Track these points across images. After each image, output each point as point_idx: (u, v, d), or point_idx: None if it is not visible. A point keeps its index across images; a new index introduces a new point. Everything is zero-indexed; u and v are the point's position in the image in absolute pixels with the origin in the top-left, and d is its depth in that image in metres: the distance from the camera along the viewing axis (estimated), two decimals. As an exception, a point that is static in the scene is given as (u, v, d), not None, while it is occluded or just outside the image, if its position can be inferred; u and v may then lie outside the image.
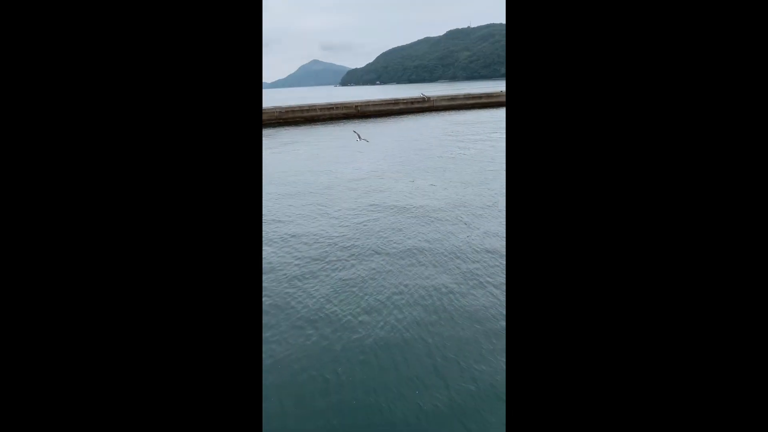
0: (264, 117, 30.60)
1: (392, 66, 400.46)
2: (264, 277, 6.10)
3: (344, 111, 33.30)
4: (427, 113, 34.20)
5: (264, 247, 7.25)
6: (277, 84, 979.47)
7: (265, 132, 26.01)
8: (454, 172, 12.97)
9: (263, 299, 5.50)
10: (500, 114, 30.64)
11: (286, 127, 28.42)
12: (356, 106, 33.70)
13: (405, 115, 33.18)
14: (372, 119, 31.43)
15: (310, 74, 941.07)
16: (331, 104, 33.40)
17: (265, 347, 4.29)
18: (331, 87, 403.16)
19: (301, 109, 32.20)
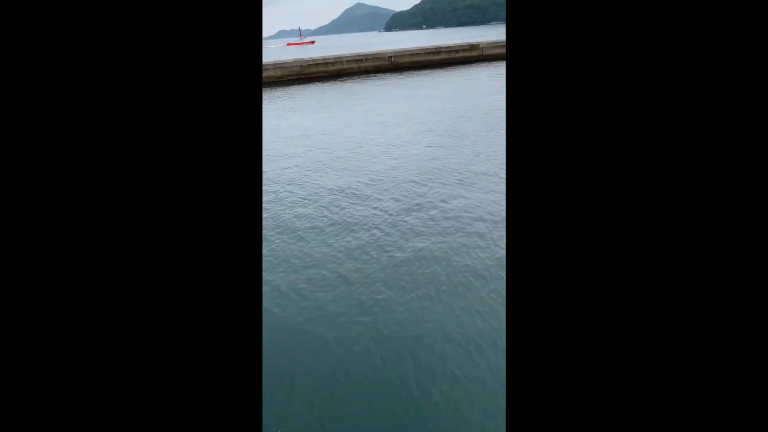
0: (283, 72, 26.54)
1: (439, 7, 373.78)
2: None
3: (375, 63, 28.46)
4: (475, 64, 28.70)
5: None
6: (321, 30, 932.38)
7: (277, 92, 22.05)
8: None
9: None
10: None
11: (308, 84, 24.29)
12: (389, 57, 28.76)
13: (448, 67, 27.94)
14: (408, 72, 26.56)
15: (354, 19, 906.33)
16: (361, 55, 28.59)
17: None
18: (375, 33, 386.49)
19: (326, 61, 27.72)
